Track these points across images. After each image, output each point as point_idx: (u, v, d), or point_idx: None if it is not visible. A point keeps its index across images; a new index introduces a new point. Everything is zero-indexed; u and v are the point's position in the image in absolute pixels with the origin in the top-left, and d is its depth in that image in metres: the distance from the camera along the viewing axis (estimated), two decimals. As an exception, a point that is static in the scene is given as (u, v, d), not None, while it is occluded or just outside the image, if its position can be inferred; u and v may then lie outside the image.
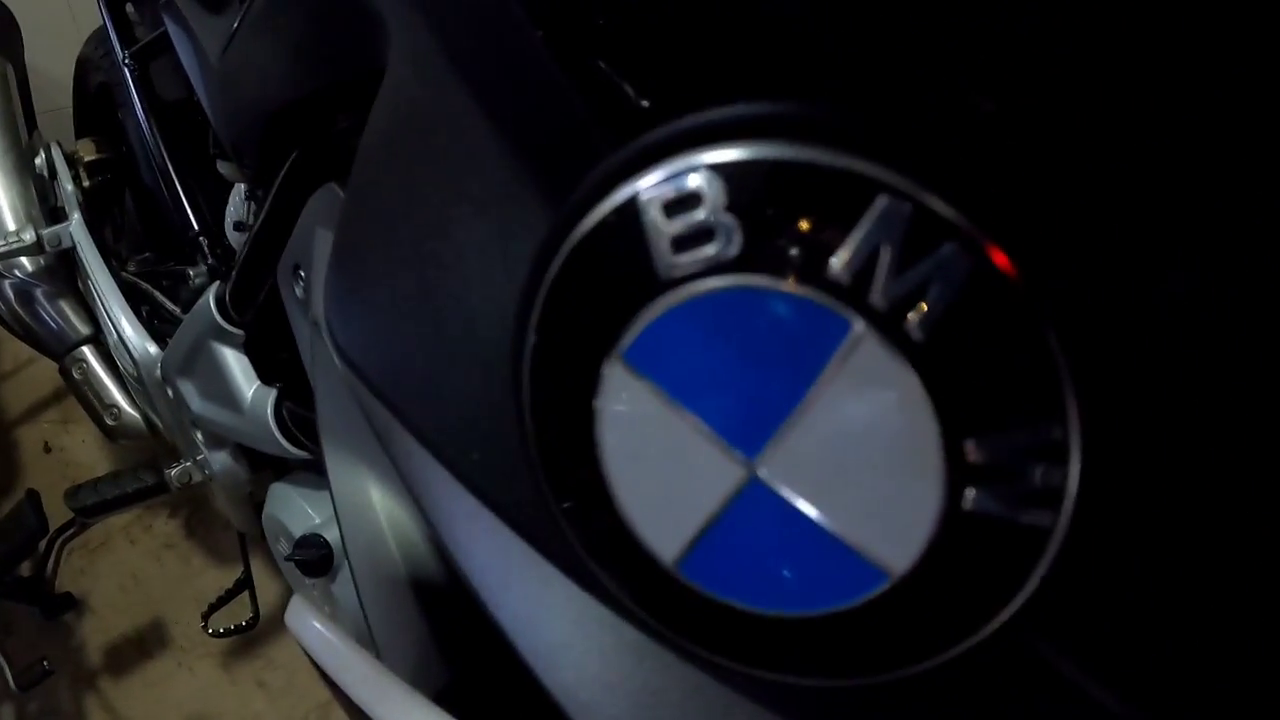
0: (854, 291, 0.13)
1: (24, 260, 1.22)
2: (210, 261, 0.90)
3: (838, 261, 0.13)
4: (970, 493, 0.14)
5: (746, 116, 0.14)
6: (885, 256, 0.13)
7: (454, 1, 0.26)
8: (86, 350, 1.20)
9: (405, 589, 0.52)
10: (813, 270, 0.13)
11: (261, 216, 0.66)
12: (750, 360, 0.14)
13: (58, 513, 1.24)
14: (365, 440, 0.53)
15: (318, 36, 0.43)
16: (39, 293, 1.22)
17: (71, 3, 1.85)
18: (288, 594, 1.49)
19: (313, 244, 0.56)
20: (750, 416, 0.15)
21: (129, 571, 1.52)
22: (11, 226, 1.21)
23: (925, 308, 0.13)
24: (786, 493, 0.15)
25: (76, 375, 1.19)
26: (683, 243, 0.14)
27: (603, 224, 0.15)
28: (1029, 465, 0.13)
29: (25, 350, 1.83)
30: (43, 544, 1.29)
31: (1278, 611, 0.18)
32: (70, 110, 1.52)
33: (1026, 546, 0.14)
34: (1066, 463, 0.13)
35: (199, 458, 0.98)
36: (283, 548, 0.86)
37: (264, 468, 0.98)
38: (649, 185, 0.15)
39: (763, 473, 0.15)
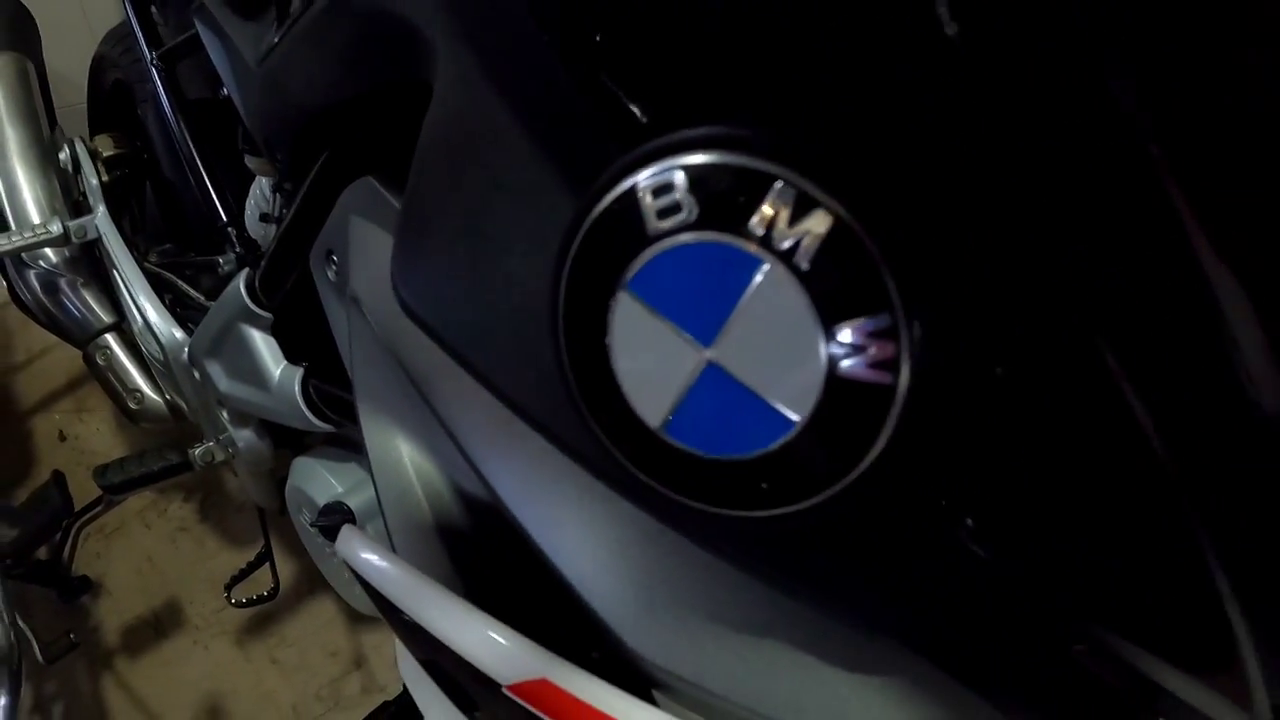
0: (764, 240, 0.22)
1: (48, 251, 1.30)
2: (238, 250, 0.98)
3: (754, 222, 0.22)
4: (841, 363, 0.22)
5: (702, 136, 0.23)
6: (782, 219, 0.22)
7: (494, 35, 0.35)
8: (109, 337, 1.28)
9: (432, 533, 0.60)
10: (739, 227, 0.22)
11: (294, 208, 0.74)
12: (704, 284, 0.23)
13: (75, 497, 1.32)
14: (398, 403, 0.61)
15: (363, 51, 0.51)
16: (63, 282, 1.30)
17: (84, 2, 1.93)
18: (304, 570, 1.57)
19: (348, 231, 0.65)
20: (705, 320, 0.24)
21: (144, 554, 1.60)
22: (37, 219, 1.29)
23: (806, 248, 0.22)
24: (729, 369, 0.24)
25: (100, 361, 1.28)
26: (662, 213, 0.23)
27: (614, 202, 0.24)
28: (874, 342, 0.22)
29: (39, 341, 1.93)
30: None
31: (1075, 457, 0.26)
32: (80, 106, 1.60)
33: (880, 400, 0.22)
34: (898, 341, 0.22)
35: (222, 437, 1.06)
36: (305, 517, 0.95)
37: (285, 445, 1.07)
38: (643, 178, 0.24)
39: (713, 356, 0.24)
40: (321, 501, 0.88)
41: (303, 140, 0.69)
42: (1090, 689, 0.38)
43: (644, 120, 0.26)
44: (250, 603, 1.24)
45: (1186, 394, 0.25)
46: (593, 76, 0.28)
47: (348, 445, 0.94)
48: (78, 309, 1.30)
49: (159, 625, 1.53)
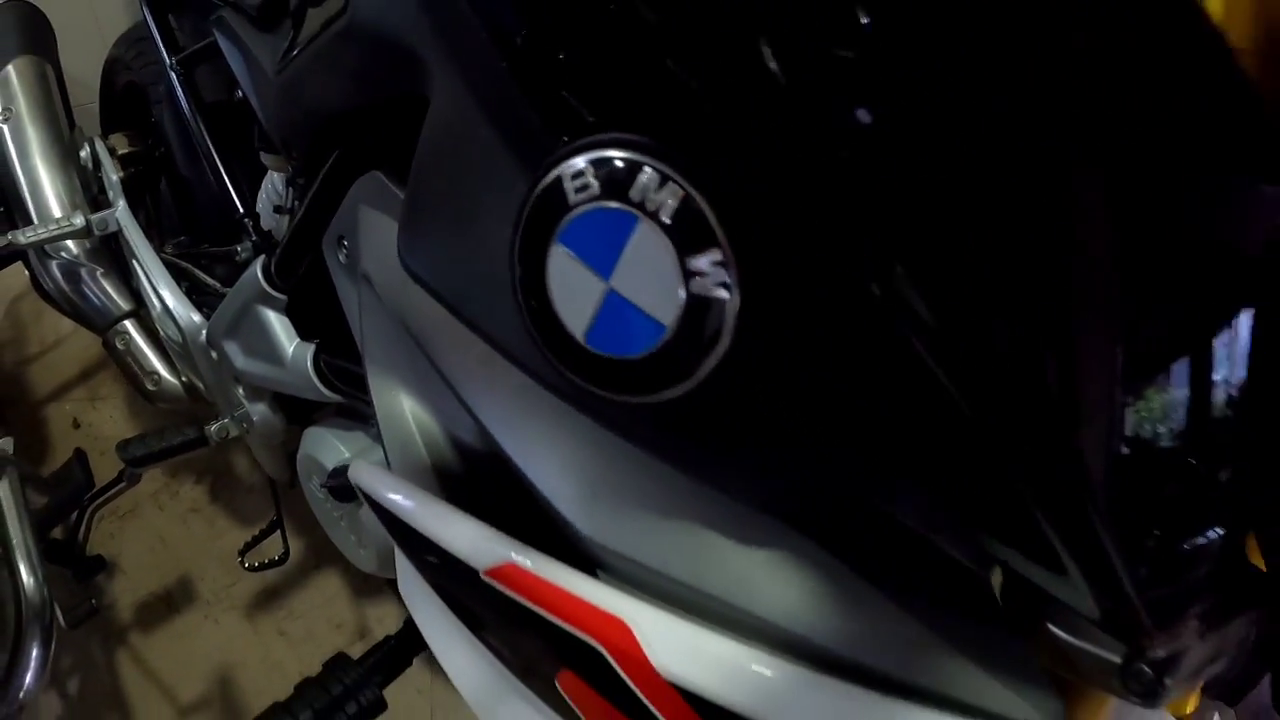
0: (640, 205, 0.35)
1: (69, 243, 1.43)
2: (254, 239, 1.11)
3: (633, 193, 0.35)
4: (692, 284, 0.35)
5: (601, 140, 0.36)
6: (651, 189, 0.35)
7: (472, 62, 0.48)
8: (128, 324, 1.41)
9: (429, 472, 0.73)
10: (622, 196, 0.35)
11: (307, 200, 0.86)
12: (604, 235, 0.36)
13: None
14: (402, 365, 0.74)
15: (372, 70, 0.64)
16: (84, 272, 1.43)
17: (95, 8, 2.07)
18: (310, 546, 1.68)
19: (357, 219, 0.77)
20: (606, 260, 0.37)
21: (157, 534, 1.73)
22: (58, 213, 1.42)
23: (666, 209, 0.35)
24: (623, 293, 0.37)
25: (119, 346, 1.41)
26: (578, 190, 0.37)
27: (548, 184, 0.38)
28: (714, 269, 0.34)
29: (52, 332, 2.06)
30: (75, 505, 1.49)
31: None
32: (90, 106, 1.72)
33: (722, 310, 0.35)
34: (728, 268, 0.34)
35: (238, 413, 1.19)
36: (315, 483, 1.07)
37: (295, 422, 1.19)
38: (566, 167, 0.37)
39: (613, 285, 0.37)
40: (330, 466, 1.00)
41: (316, 141, 0.81)
42: (972, 584, 0.48)
43: (588, 118, 0.40)
44: (263, 566, 1.36)
45: (961, 344, 0.35)
46: (545, 92, 0.41)
47: (354, 416, 1.06)
48: (98, 297, 1.43)
49: (171, 601, 1.65)
